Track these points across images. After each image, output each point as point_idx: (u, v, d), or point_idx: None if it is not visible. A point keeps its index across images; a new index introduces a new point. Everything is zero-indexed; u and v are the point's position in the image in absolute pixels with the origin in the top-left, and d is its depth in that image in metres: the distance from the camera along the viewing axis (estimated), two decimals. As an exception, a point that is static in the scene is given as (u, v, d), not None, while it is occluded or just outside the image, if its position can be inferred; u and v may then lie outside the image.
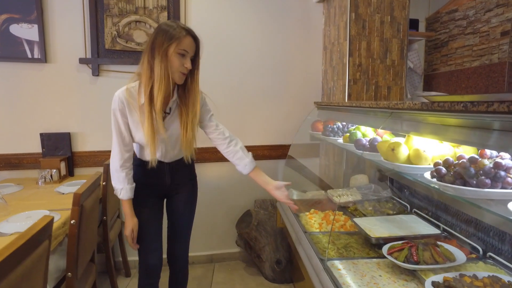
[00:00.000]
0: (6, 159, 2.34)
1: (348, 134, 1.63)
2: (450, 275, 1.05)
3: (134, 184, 1.47)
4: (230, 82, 2.55)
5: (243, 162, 1.56)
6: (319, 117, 2.30)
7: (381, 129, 1.36)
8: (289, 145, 2.60)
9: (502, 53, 2.18)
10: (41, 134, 2.33)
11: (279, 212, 2.17)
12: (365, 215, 1.73)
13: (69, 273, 1.35)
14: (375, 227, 1.47)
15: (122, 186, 1.44)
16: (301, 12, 2.61)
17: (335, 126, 1.97)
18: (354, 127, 1.68)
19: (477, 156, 0.86)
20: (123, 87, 1.41)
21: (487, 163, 0.80)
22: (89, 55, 2.34)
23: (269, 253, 2.39)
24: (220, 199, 2.66)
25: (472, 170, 0.80)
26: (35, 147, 2.36)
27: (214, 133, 1.56)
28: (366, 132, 1.57)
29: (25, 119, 2.33)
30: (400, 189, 1.96)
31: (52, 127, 2.37)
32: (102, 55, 2.35)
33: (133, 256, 2.53)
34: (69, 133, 2.38)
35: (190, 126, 1.43)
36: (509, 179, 0.78)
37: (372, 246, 1.43)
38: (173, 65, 1.33)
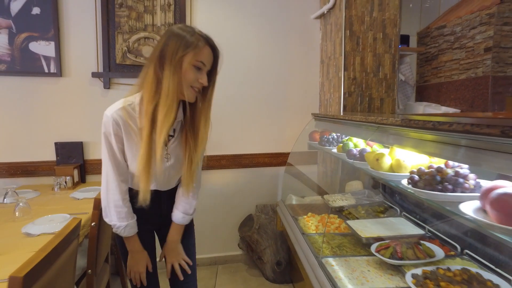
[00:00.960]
0: (23, 167, 2.50)
1: (341, 144, 1.79)
2: (428, 268, 1.20)
3: (135, 219, 1.24)
4: (233, 93, 2.71)
5: (177, 211, 1.31)
6: (316, 128, 2.46)
7: (369, 140, 1.52)
8: (288, 153, 2.76)
9: (486, 67, 2.35)
10: (56, 143, 2.49)
11: (279, 216, 2.32)
12: (358, 218, 1.88)
13: (89, 270, 1.50)
14: (366, 228, 1.62)
15: (127, 222, 1.21)
16: (300, 27, 2.79)
17: (330, 137, 2.13)
18: (347, 138, 1.84)
19: (443, 166, 1.01)
20: (116, 104, 1.14)
21: (450, 172, 0.96)
22: (101, 69, 2.51)
23: (270, 255, 2.53)
24: (223, 204, 2.80)
25: (438, 177, 0.96)
26: (50, 155, 2.52)
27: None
28: (357, 143, 1.73)
29: (41, 129, 2.50)
30: (391, 195, 2.11)
31: (66, 137, 2.53)
32: (113, 69, 2.52)
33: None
34: (81, 142, 2.54)
35: (196, 157, 1.18)
36: (466, 185, 0.94)
37: (363, 246, 1.58)
38: (187, 79, 1.07)
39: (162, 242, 1.38)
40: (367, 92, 2.45)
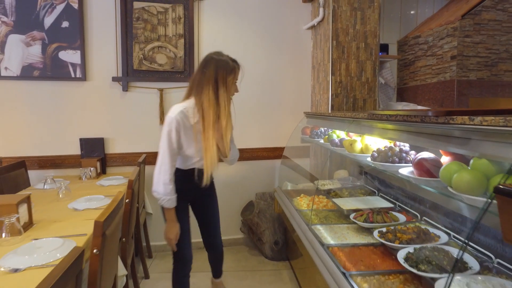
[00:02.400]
0: (51, 160, 2.85)
1: (326, 136, 2.17)
2: (391, 227, 1.59)
3: (176, 195, 1.64)
4: (235, 95, 3.08)
5: None
6: (308, 124, 2.84)
7: (348, 131, 1.90)
8: (283, 147, 3.14)
9: (452, 72, 2.75)
10: (81, 139, 2.85)
11: (276, 199, 2.70)
12: (342, 197, 2.26)
13: (123, 239, 1.86)
14: (348, 203, 2.00)
15: (170, 196, 1.60)
16: (294, 37, 3.18)
17: (318, 131, 2.52)
18: (331, 131, 2.22)
19: (392, 146, 1.39)
20: (175, 108, 1.59)
21: (396, 149, 1.34)
22: (120, 74, 2.87)
23: (268, 236, 2.90)
24: (226, 193, 3.17)
25: (389, 153, 1.33)
26: (75, 150, 2.87)
27: None
28: (339, 134, 2.11)
29: (68, 127, 2.85)
30: (371, 180, 2.50)
31: (89, 133, 2.89)
32: (130, 74, 2.88)
33: (154, 242, 3.04)
34: (102, 138, 2.90)
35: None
36: (407, 157, 1.32)
37: (345, 217, 1.96)
38: (231, 92, 1.65)
39: (202, 209, 1.90)
40: (352, 94, 2.84)
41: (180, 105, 1.61)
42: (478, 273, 1.21)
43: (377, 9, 2.81)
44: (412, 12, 3.59)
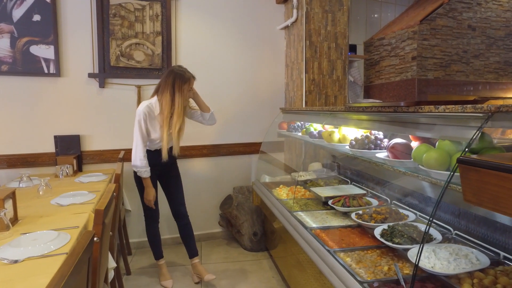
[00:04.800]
0: (23, 158, 2.76)
1: (304, 129, 2.32)
2: (367, 210, 1.76)
3: (149, 167, 2.22)
4: (211, 93, 3.16)
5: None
6: (284, 119, 2.99)
7: (325, 124, 2.06)
8: (260, 143, 3.27)
9: (413, 72, 3.03)
10: (55, 136, 2.78)
11: (255, 192, 2.81)
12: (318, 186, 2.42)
13: (110, 233, 1.88)
14: (325, 191, 2.16)
15: (146, 168, 2.20)
16: (268, 37, 3.31)
17: (295, 125, 2.67)
18: (308, 124, 2.37)
19: (368, 134, 1.56)
20: (144, 103, 2.19)
21: (372, 137, 1.51)
22: (96, 71, 2.84)
23: (247, 228, 3.01)
24: (205, 188, 3.24)
25: (366, 141, 1.50)
26: (49, 147, 2.80)
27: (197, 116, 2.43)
28: (316, 127, 2.27)
29: (41, 124, 2.78)
30: (344, 170, 2.69)
31: (65, 130, 2.83)
32: (107, 70, 2.86)
33: (133, 239, 3.04)
34: (78, 135, 2.85)
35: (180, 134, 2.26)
36: (382, 145, 1.49)
37: (323, 204, 2.12)
38: (186, 98, 2.18)
39: (168, 183, 2.44)
40: (324, 91, 3.02)
41: (147, 101, 2.20)
42: (441, 242, 1.41)
43: (346, 12, 3.01)
44: (376, 15, 3.86)
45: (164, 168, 2.36)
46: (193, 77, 2.22)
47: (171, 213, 2.49)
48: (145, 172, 2.19)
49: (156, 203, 2.37)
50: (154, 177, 2.31)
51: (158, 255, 2.48)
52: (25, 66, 2.67)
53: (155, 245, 2.46)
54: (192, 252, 2.47)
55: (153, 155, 2.26)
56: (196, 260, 2.47)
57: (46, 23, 2.68)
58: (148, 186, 2.24)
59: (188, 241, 2.47)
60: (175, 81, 2.10)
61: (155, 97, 2.22)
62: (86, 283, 1.02)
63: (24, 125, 2.74)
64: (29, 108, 2.74)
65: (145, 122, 2.15)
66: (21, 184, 2.30)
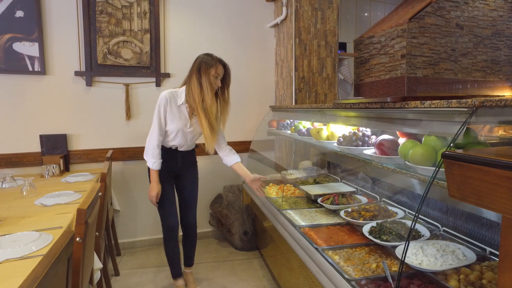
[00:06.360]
0: (7, 158, 2.70)
1: (293, 127, 2.31)
2: (355, 208, 1.76)
3: (161, 160, 2.02)
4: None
5: (231, 157, 2.21)
6: (274, 117, 2.97)
7: (313, 121, 2.05)
8: (250, 141, 3.25)
9: (402, 70, 3.04)
10: (41, 136, 2.72)
11: (245, 191, 2.79)
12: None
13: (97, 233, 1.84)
14: (314, 189, 2.15)
15: (156, 159, 2.00)
16: (258, 35, 3.29)
17: (285, 123, 2.66)
18: (297, 122, 2.36)
19: (356, 131, 1.56)
20: (167, 90, 2.02)
21: (360, 134, 1.50)
22: (83, 69, 2.79)
23: (237, 227, 2.99)
24: (196, 187, 3.20)
25: (354, 138, 1.49)
26: (35, 147, 2.74)
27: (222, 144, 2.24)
28: (305, 125, 2.26)
29: (26, 123, 2.71)
30: (334, 168, 2.69)
31: (51, 130, 2.77)
32: (94, 69, 2.81)
33: (122, 239, 3.00)
34: (65, 135, 2.79)
35: (215, 128, 2.06)
36: (369, 141, 1.49)
37: (313, 202, 2.11)
38: (211, 83, 1.96)
39: (180, 187, 2.23)
40: (314, 89, 3.02)
41: (173, 89, 2.04)
42: (429, 239, 1.41)
43: (336, 10, 3.01)
44: (366, 14, 3.87)
45: (181, 169, 2.16)
46: (221, 63, 2.01)
47: (179, 218, 2.27)
48: (154, 163, 1.98)
49: (170, 211, 2.12)
50: (168, 178, 2.13)
51: (174, 273, 2.24)
52: (8, 63, 2.61)
53: (171, 261, 2.21)
54: (189, 262, 2.35)
55: (168, 154, 2.07)
56: (189, 270, 2.36)
57: (29, 19, 2.62)
58: (154, 180, 2.01)
59: (189, 250, 2.33)
60: (201, 65, 1.94)
61: (184, 87, 2.04)
62: (66, 284, 0.98)
63: (8, 124, 2.68)
64: (13, 107, 2.67)
65: (164, 108, 1.97)
66: (3, 185, 2.24)
